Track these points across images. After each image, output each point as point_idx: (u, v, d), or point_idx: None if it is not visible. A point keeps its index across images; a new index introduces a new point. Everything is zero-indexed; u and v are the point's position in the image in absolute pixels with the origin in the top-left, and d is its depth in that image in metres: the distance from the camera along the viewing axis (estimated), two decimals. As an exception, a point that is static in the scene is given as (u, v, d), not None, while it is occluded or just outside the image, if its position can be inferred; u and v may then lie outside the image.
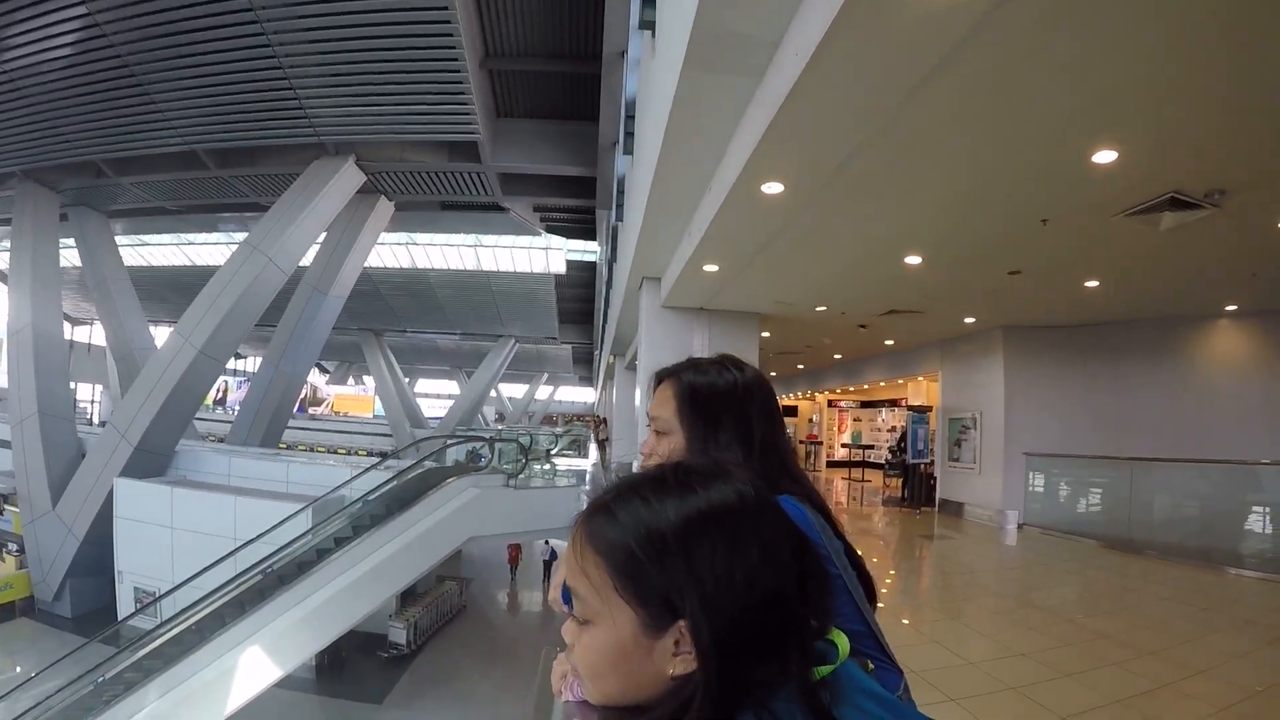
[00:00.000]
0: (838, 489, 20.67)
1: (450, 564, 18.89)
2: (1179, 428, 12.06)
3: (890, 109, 3.93)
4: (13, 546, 19.21)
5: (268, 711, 12.50)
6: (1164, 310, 12.26)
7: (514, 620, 18.65)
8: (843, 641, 1.02)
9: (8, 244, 21.71)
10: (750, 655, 0.89)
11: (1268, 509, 9.57)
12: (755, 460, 1.58)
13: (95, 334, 42.78)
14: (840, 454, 25.72)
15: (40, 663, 13.14)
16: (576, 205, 18.48)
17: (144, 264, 31.79)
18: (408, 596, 16.77)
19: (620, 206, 10.96)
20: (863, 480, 21.04)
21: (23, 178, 19.76)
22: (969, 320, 12.35)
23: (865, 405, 24.99)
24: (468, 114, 14.26)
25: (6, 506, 19.89)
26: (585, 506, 1.00)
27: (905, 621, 7.59)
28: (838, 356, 19.44)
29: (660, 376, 1.80)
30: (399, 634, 16.50)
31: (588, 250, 25.01)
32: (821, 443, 26.09)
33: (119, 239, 24.81)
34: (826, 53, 3.32)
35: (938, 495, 15.51)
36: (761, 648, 0.90)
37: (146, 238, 29.80)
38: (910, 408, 18.64)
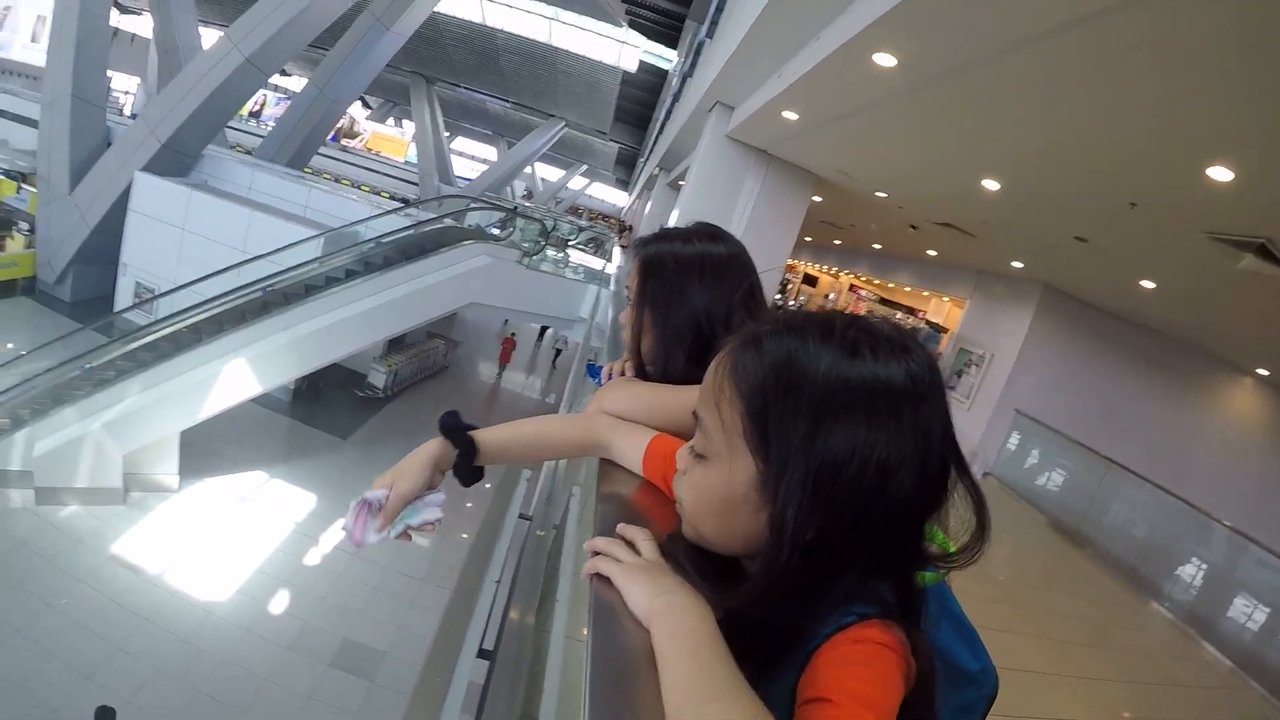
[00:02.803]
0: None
1: (443, 323, 19.15)
2: (1168, 456, 11.91)
3: (1062, 24, 3.44)
4: (24, 226, 19.26)
5: (240, 424, 13.07)
6: (1203, 342, 12.01)
7: (488, 391, 18.96)
8: (948, 545, 0.93)
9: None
10: (850, 552, 0.82)
11: (1204, 566, 9.49)
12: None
13: (141, 25, 41.21)
14: (842, 340, 25.37)
15: (33, 342, 13.50)
16: (668, 8, 17.68)
17: (202, -38, 30.51)
18: (395, 344, 17.15)
19: (715, 24, 10.31)
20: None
21: None
22: (1015, 264, 11.79)
23: (884, 302, 24.22)
24: None
25: (24, 186, 19.73)
26: (741, 333, 0.91)
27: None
28: (877, 246, 18.86)
29: (635, 247, 1.70)
30: (379, 377, 17.03)
31: (664, 57, 24.11)
32: (829, 322, 25.88)
33: (178, -72, 23.67)
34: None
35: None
36: (865, 547, 0.82)
37: (208, -67, 28.34)
38: (928, 322, 18.43)
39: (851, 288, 25.87)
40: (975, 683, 0.98)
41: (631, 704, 0.75)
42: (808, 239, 22.82)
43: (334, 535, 11.54)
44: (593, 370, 2.22)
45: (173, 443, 11.51)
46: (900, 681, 0.75)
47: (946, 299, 17.72)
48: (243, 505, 11.86)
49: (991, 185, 7.17)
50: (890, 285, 21.26)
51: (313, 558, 11.02)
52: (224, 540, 10.86)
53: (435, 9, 21.89)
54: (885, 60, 4.85)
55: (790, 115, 7.69)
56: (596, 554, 0.96)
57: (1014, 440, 12.75)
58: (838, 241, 21.82)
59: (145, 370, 11.17)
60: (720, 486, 0.88)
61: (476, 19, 29.01)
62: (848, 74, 5.46)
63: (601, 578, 0.92)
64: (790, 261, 26.96)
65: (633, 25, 20.87)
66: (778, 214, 10.39)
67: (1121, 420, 12.38)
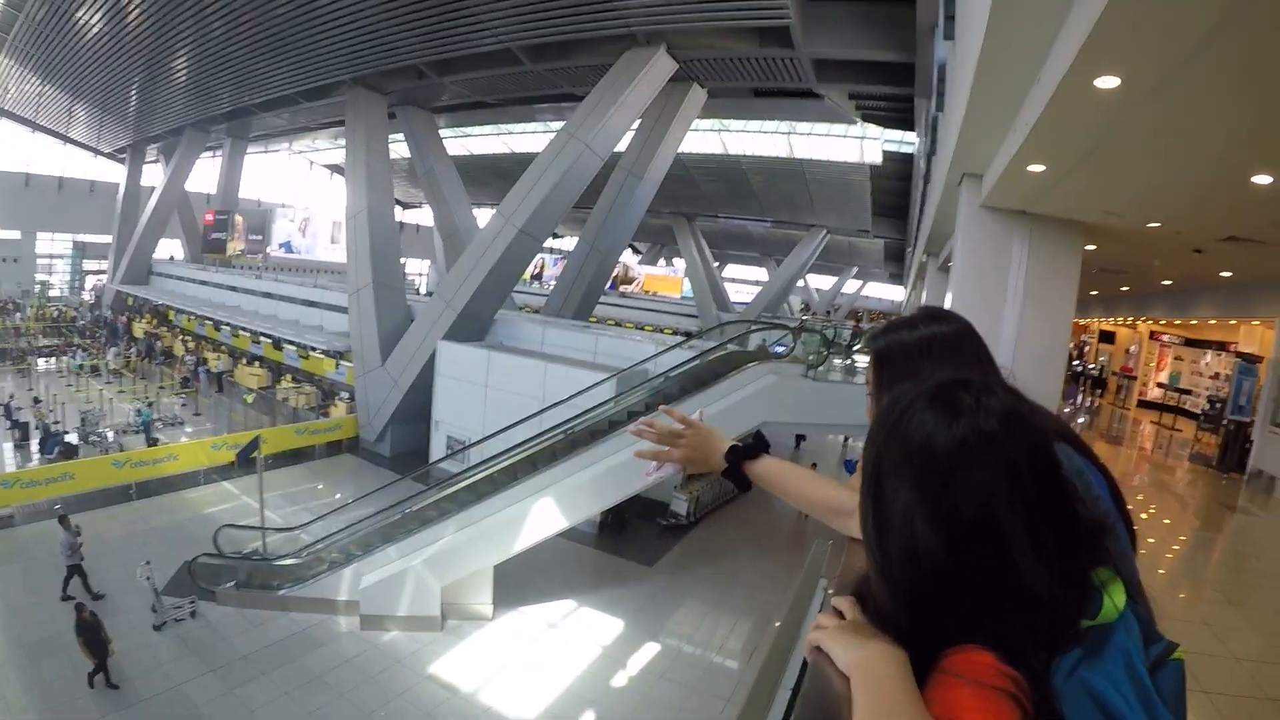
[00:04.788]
0: (1144, 433, 18.72)
1: (740, 444, 19.40)
2: None
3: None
4: (345, 394, 23.93)
5: (550, 557, 14.13)
6: None
7: (791, 513, 18.93)
8: (1115, 598, 0.92)
9: (344, 142, 25.18)
10: (931, 613, 0.91)
11: None
12: None
13: (423, 216, 48.21)
14: (1154, 394, 22.42)
15: (358, 491, 16.00)
16: (894, 93, 17.89)
17: (466, 153, 35.34)
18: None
19: (941, 96, 10.32)
20: (1173, 428, 18.70)
21: (352, 84, 22.67)
22: (1317, 265, 10.35)
23: (1190, 343, 21.72)
24: (779, -3, 14.01)
25: (342, 361, 24.17)
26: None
27: (1181, 595, 7.04)
28: (1167, 283, 17.23)
29: (867, 342, 1.86)
30: (680, 505, 17.64)
31: (905, 141, 24.15)
32: (1135, 378, 23.38)
33: (443, 132, 27.93)
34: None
35: (1250, 462, 13.10)
36: (943, 611, 0.90)
37: (468, 129, 33.03)
38: (1238, 354, 16.39)
39: (1152, 335, 23.67)
40: None
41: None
42: (1093, 292, 21.43)
43: (642, 658, 11.91)
44: (849, 465, 2.48)
45: (487, 575, 12.62)
46: (991, 698, 0.79)
47: (1257, 322, 15.86)
48: (552, 631, 12.59)
49: (1263, 180, 6.68)
50: (1192, 321, 19.30)
51: (620, 679, 11.37)
52: (534, 663, 11.58)
53: (678, 151, 23.34)
54: (1108, 82, 4.80)
55: (1036, 168, 7.39)
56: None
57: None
58: (1125, 288, 20.30)
59: (460, 512, 12.49)
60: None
61: (718, 150, 30.73)
62: (1076, 106, 5.36)
63: (818, 648, 1.00)
64: (1082, 320, 25.25)
65: (866, 119, 21.15)
66: (1052, 273, 9.91)
67: None
